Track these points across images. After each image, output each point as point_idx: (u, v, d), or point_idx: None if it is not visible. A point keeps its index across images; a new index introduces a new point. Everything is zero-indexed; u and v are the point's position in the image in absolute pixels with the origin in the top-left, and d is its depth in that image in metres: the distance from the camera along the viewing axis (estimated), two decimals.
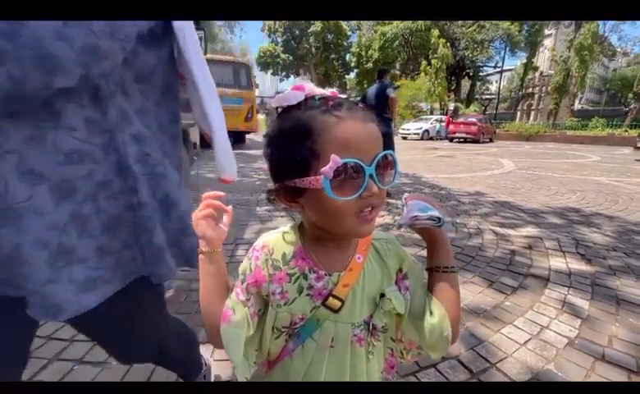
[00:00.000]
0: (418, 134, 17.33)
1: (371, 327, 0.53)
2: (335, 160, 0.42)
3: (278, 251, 0.53)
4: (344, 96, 0.50)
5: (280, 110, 0.49)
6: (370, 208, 0.46)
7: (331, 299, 0.50)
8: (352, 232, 0.49)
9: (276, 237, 0.55)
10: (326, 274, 0.52)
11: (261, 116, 15.38)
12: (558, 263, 2.20)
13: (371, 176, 0.44)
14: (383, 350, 0.57)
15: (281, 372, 0.55)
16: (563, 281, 1.96)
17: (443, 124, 18.03)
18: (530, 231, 2.83)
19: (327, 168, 0.42)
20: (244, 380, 0.53)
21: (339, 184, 0.44)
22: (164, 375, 1.20)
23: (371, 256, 0.55)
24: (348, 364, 0.52)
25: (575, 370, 1.26)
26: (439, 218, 0.55)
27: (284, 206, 0.52)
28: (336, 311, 0.51)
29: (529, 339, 1.44)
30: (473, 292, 1.82)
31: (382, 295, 0.52)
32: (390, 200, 3.98)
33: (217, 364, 1.26)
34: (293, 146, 0.46)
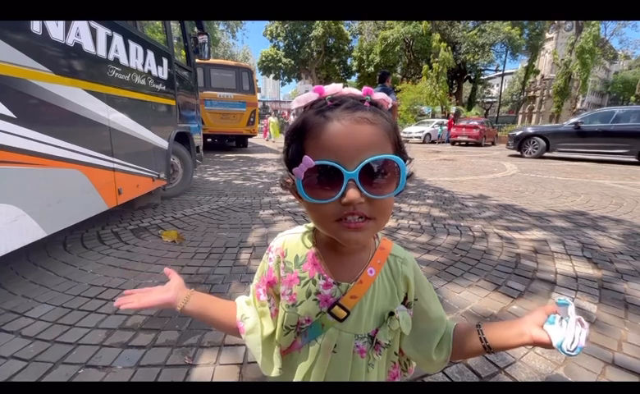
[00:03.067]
0: (419, 137, 17.34)
1: (374, 342, 0.52)
2: (306, 161, 0.42)
3: (291, 253, 0.55)
4: (369, 97, 0.47)
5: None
6: (357, 217, 0.43)
7: (337, 307, 0.50)
8: (335, 236, 0.47)
9: (292, 239, 0.57)
10: (334, 283, 0.52)
11: (272, 119, 15.24)
12: (564, 266, 2.18)
13: (353, 182, 0.41)
14: (385, 363, 0.56)
15: (290, 362, 0.56)
16: (570, 284, 1.94)
17: (445, 127, 18.02)
18: (535, 234, 2.81)
19: (298, 169, 0.43)
20: (270, 375, 0.56)
21: (315, 185, 0.43)
22: (169, 378, 1.20)
23: (384, 272, 0.54)
24: (348, 370, 0.52)
25: (585, 375, 1.24)
26: (571, 347, 0.43)
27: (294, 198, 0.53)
28: (341, 320, 0.51)
29: None
30: (479, 296, 1.81)
31: (392, 314, 0.51)
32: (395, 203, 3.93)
33: (222, 369, 1.25)
34: (289, 144, 0.48)
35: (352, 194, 0.41)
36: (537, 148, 9.77)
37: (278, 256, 0.55)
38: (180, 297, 0.61)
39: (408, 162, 0.47)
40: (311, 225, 0.58)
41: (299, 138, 0.45)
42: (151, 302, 0.61)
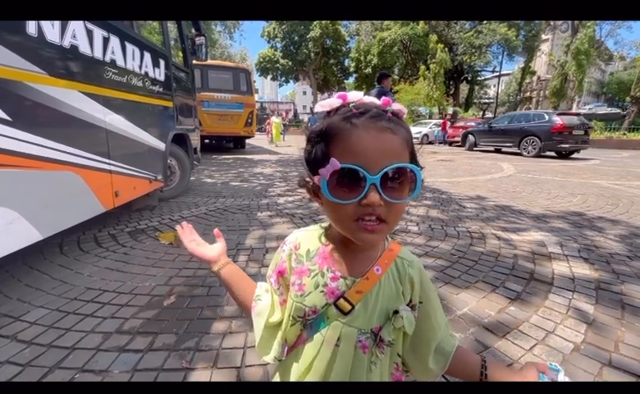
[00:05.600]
0: (417, 138, 17.37)
1: (378, 339, 0.53)
2: (333, 163, 0.45)
3: (304, 247, 0.58)
4: (390, 107, 0.50)
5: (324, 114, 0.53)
6: (374, 218, 0.46)
7: (342, 300, 0.52)
8: (352, 237, 0.50)
9: (305, 234, 0.60)
10: (341, 276, 0.54)
11: (276, 119, 14.96)
12: (561, 267, 2.19)
13: (374, 186, 0.45)
14: (389, 364, 0.57)
15: (294, 357, 0.57)
16: (567, 285, 1.95)
17: (444, 129, 18.10)
18: (532, 235, 2.82)
19: (324, 170, 0.46)
20: (264, 359, 0.60)
21: (338, 187, 0.46)
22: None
23: (391, 272, 0.55)
24: (349, 365, 0.53)
25: (583, 376, 1.25)
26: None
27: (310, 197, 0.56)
28: (345, 314, 0.52)
29: (535, 344, 1.42)
30: (476, 297, 1.81)
31: (396, 312, 0.53)
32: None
33: (219, 372, 1.25)
34: (313, 146, 0.51)
35: (373, 197, 0.45)
36: (469, 142, 13.20)
37: (291, 249, 0.59)
38: (220, 261, 0.69)
39: (421, 170, 0.50)
40: (323, 224, 0.61)
41: (325, 141, 0.48)
42: (197, 253, 0.71)
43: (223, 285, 0.68)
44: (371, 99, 0.50)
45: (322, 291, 0.54)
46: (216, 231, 0.76)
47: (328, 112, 0.50)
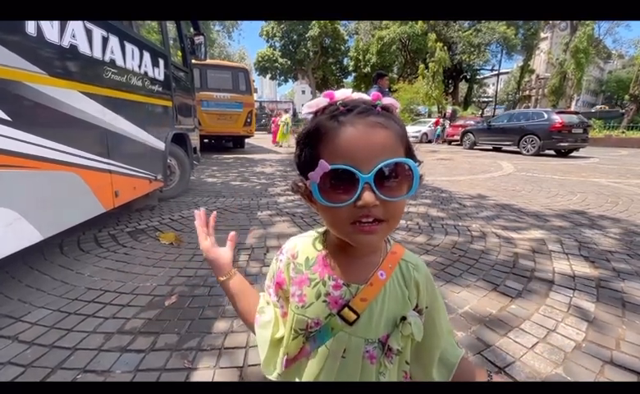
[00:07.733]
0: (416, 137, 17.37)
1: (386, 349, 0.51)
2: (322, 165, 0.43)
3: (302, 255, 0.55)
4: (380, 102, 0.47)
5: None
6: (372, 219, 0.44)
7: (346, 310, 0.50)
8: (349, 240, 0.47)
9: (303, 241, 0.57)
10: (344, 284, 0.51)
11: (286, 115, 14.72)
12: (562, 265, 2.20)
13: (368, 185, 0.42)
14: (397, 373, 0.55)
15: (297, 371, 0.55)
16: (568, 283, 1.95)
17: (439, 127, 18.13)
18: (533, 233, 2.83)
19: (314, 173, 0.43)
20: (268, 377, 0.57)
21: (331, 189, 0.44)
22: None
23: (395, 276, 0.53)
24: (357, 378, 0.51)
25: (585, 374, 1.25)
26: None
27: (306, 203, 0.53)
28: (351, 324, 0.50)
29: (537, 343, 1.43)
30: (477, 296, 1.81)
31: (404, 319, 0.50)
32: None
33: (222, 372, 1.25)
34: (301, 149, 0.48)
35: (367, 197, 0.42)
36: (469, 141, 13.34)
37: (288, 258, 0.56)
38: (226, 271, 0.65)
39: (418, 164, 0.47)
40: (321, 229, 0.58)
41: (313, 142, 0.46)
42: (211, 254, 0.66)
43: (228, 295, 0.65)
44: (359, 95, 0.47)
45: (324, 301, 0.51)
46: (232, 234, 0.69)
47: (315, 113, 0.48)
